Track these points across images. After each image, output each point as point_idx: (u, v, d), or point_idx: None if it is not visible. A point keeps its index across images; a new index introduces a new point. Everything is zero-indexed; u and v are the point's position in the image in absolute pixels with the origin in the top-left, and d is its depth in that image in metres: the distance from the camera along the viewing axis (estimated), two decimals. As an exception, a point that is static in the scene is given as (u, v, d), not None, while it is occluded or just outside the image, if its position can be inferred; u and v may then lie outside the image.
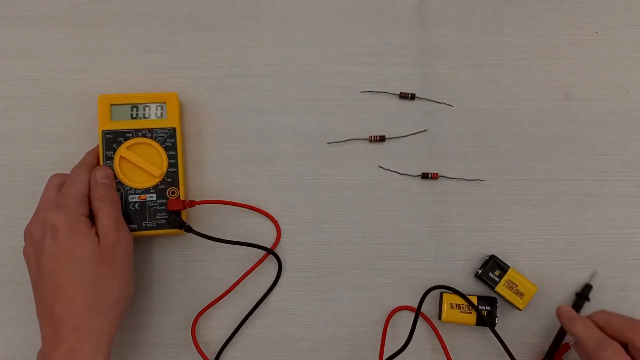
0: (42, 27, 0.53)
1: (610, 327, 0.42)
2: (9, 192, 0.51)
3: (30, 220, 0.44)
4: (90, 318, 0.41)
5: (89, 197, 0.45)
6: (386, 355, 0.48)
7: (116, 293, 0.43)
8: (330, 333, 0.50)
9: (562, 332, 0.49)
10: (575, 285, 0.50)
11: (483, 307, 0.48)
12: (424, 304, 0.49)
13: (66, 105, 0.52)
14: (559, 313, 0.46)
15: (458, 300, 0.48)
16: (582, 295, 0.49)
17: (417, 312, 0.48)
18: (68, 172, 0.47)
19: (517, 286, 0.48)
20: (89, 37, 0.53)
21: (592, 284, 0.49)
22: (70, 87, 0.52)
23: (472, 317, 0.48)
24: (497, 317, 0.48)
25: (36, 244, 0.43)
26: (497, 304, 0.48)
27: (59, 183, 0.45)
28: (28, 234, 0.44)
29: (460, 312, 0.48)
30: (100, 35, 0.53)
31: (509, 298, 0.48)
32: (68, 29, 0.53)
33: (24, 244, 0.45)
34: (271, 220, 0.50)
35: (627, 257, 0.51)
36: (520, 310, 0.48)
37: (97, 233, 0.43)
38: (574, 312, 0.45)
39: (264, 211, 0.50)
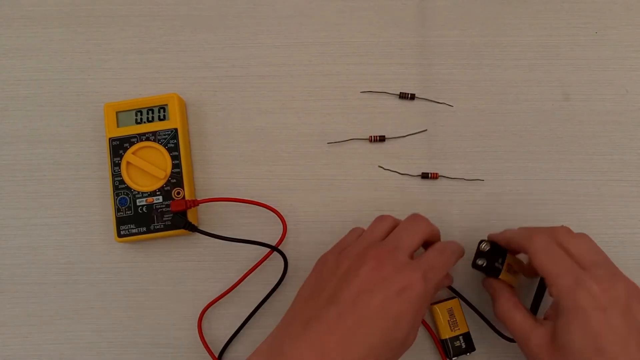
0: (42, 27, 0.53)
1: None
2: (9, 192, 0.51)
3: (381, 250, 0.39)
4: None
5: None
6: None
7: None
8: (330, 333, 0.50)
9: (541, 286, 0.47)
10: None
11: (461, 342, 0.47)
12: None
13: (66, 105, 0.52)
14: (490, 236, 0.47)
15: (458, 315, 0.48)
16: None
17: None
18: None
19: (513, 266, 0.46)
20: (89, 37, 0.53)
21: None
22: (70, 87, 0.52)
23: (448, 332, 0.47)
24: (456, 357, 0.47)
25: (382, 276, 0.38)
26: (472, 352, 0.47)
27: (427, 238, 0.43)
28: (378, 261, 0.39)
29: (448, 321, 0.47)
30: (100, 35, 0.53)
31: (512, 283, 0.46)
32: (68, 29, 0.53)
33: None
34: (277, 216, 0.50)
35: (627, 257, 0.51)
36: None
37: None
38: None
39: (268, 206, 0.50)
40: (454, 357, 0.47)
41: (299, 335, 0.37)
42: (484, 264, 0.44)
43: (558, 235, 0.41)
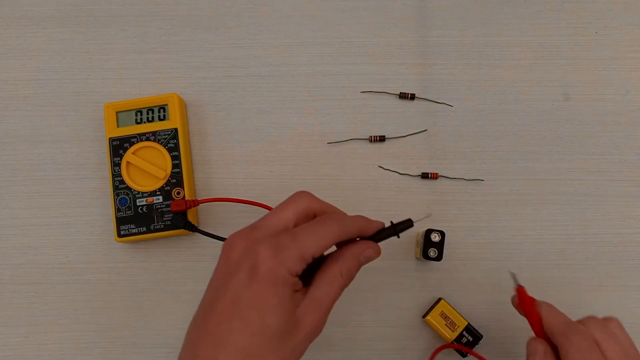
0: (42, 27, 0.53)
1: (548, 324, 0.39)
2: (9, 192, 0.51)
3: (239, 233, 0.35)
4: None
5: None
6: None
7: None
8: (331, 333, 0.50)
9: None
10: (575, 284, 0.50)
11: (467, 335, 0.47)
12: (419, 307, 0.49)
13: (66, 105, 0.52)
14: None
15: (451, 313, 0.48)
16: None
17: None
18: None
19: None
20: (89, 37, 0.53)
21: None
22: (70, 87, 0.52)
23: (452, 334, 0.47)
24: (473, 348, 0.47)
25: (231, 263, 0.34)
26: (480, 342, 0.47)
27: (303, 213, 0.36)
28: (229, 246, 0.35)
29: (445, 324, 0.47)
30: (100, 35, 0.53)
31: None
32: (68, 29, 0.53)
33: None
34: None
35: (627, 257, 0.51)
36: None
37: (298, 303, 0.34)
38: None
39: (268, 206, 0.49)
40: (469, 354, 0.48)
41: (183, 348, 0.34)
42: (436, 255, 0.46)
43: (597, 332, 0.37)
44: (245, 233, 0.35)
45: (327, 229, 0.34)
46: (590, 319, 0.39)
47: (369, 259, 0.37)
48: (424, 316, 0.48)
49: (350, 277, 0.36)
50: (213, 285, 0.34)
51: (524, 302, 0.40)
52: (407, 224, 0.39)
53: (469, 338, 0.47)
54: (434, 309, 0.48)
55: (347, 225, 0.36)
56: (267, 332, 0.32)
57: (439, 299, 0.48)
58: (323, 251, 0.34)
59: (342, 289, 0.36)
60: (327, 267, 0.35)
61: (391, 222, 0.39)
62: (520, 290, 0.41)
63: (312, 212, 0.37)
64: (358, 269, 0.37)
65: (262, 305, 0.32)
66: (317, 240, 0.34)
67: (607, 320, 0.39)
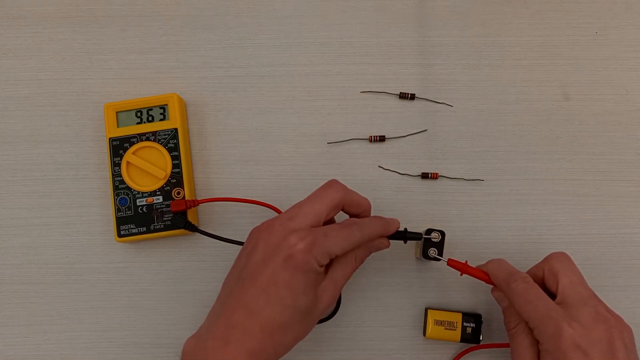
0: (42, 27, 0.53)
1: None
2: (9, 192, 0.51)
3: (278, 220, 0.40)
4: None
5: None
6: None
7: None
8: (330, 333, 0.50)
9: None
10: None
11: (468, 324, 0.48)
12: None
13: (66, 105, 0.52)
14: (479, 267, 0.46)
15: (443, 316, 0.48)
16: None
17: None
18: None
19: None
20: (89, 37, 0.53)
21: None
22: (70, 87, 0.52)
23: (456, 333, 0.47)
24: (481, 333, 0.48)
25: (271, 245, 0.39)
26: (482, 321, 0.48)
27: (334, 205, 0.41)
28: (269, 230, 0.40)
29: (445, 328, 0.48)
30: (100, 35, 0.53)
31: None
32: (68, 29, 0.53)
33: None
34: (278, 214, 0.50)
35: (627, 257, 0.51)
36: None
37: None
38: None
39: (269, 204, 0.49)
40: (480, 341, 0.48)
41: (217, 312, 0.39)
42: (436, 254, 0.46)
43: (546, 267, 0.42)
44: (284, 220, 0.40)
45: (352, 236, 0.40)
46: (551, 256, 0.43)
47: (379, 250, 0.44)
48: (424, 334, 0.48)
49: (362, 262, 0.43)
50: (254, 259, 0.39)
51: (461, 269, 0.44)
52: (417, 236, 0.46)
53: (471, 325, 0.48)
54: (427, 322, 0.48)
55: (370, 234, 0.42)
56: (297, 308, 0.38)
57: (425, 310, 0.49)
58: (345, 252, 0.40)
59: (354, 271, 0.42)
60: (344, 254, 0.41)
61: (405, 228, 0.45)
62: (450, 263, 0.44)
63: (342, 204, 0.42)
64: (368, 255, 0.44)
65: (295, 287, 0.37)
66: (342, 244, 0.40)
67: (564, 264, 0.42)
